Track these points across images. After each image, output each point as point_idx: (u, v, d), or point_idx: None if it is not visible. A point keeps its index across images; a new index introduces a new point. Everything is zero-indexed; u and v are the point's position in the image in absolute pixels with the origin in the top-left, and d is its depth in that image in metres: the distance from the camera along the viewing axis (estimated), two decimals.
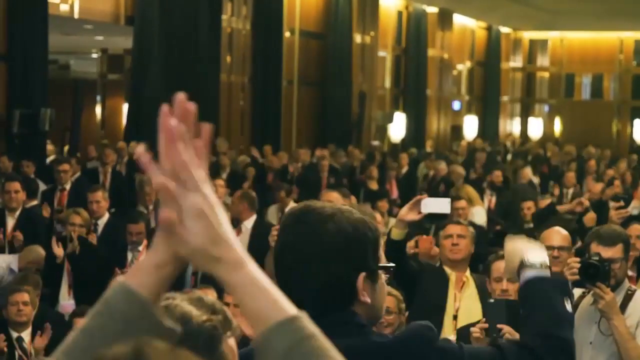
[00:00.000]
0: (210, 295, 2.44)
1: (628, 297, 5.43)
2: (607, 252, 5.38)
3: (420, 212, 5.62)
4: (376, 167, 16.96)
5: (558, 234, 6.20)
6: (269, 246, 6.53)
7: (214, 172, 14.18)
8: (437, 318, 6.32)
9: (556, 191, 16.42)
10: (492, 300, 5.28)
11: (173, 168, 1.60)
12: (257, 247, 8.30)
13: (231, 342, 2.16)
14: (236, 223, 9.21)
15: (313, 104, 23.05)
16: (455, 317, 6.39)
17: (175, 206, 1.60)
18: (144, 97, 17.27)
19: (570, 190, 15.59)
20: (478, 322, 5.07)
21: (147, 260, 1.65)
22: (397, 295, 5.85)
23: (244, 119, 21.26)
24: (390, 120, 25.71)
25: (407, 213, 5.69)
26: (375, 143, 24.43)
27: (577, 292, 5.64)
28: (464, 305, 6.43)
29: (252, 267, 1.63)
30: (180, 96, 1.64)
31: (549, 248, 5.96)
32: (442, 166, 17.34)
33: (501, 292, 5.56)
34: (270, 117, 20.98)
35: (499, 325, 5.03)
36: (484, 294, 6.10)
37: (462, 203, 10.29)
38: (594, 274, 5.33)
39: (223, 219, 1.63)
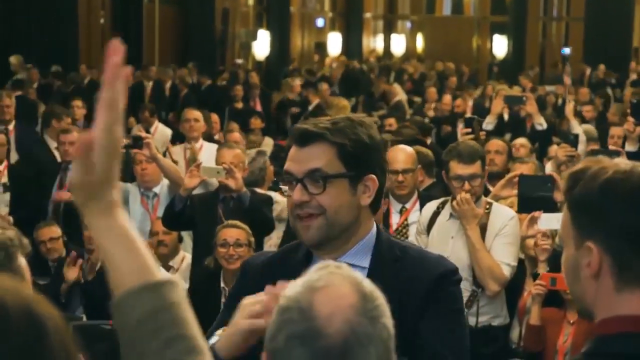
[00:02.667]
0: None
1: (486, 214, 5.55)
2: (467, 170, 5.48)
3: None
4: (241, 85, 16.87)
5: (402, 153, 6.27)
6: None
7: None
8: None
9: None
10: None
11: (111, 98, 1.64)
12: None
13: (22, 260, 2.22)
14: None
15: (175, 22, 22.68)
16: None
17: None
18: None
19: (432, 105, 15.84)
20: None
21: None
22: (246, 229, 5.85)
23: (105, 39, 20.78)
24: (254, 38, 25.52)
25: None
26: (239, 61, 24.24)
27: (430, 206, 5.76)
28: None
29: (125, 219, 1.63)
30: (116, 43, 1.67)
31: (393, 172, 6.06)
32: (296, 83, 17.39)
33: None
34: (131, 36, 20.55)
35: None
36: None
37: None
38: None
39: (115, 162, 1.65)
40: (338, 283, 1.67)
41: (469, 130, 6.63)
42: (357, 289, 1.68)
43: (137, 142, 6.70)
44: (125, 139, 6.78)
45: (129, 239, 1.61)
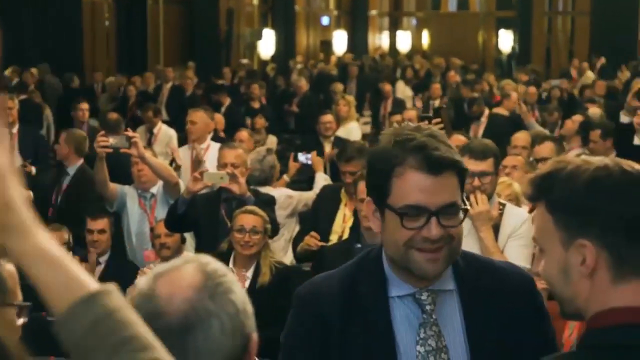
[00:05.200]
0: None
1: (499, 214, 5.48)
2: (479, 166, 5.42)
3: None
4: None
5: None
6: (89, 195, 6.47)
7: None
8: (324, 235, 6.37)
9: (418, 103, 16.59)
10: (359, 246, 5.24)
11: None
12: (77, 194, 8.08)
13: (10, 267, 2.19)
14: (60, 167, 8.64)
15: (180, 22, 22.67)
16: (340, 238, 6.31)
17: None
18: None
19: (437, 102, 15.79)
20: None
21: None
22: (263, 216, 5.86)
23: (109, 40, 20.79)
24: (259, 37, 25.50)
25: None
26: (245, 61, 24.23)
27: None
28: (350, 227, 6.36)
29: (43, 237, 1.57)
30: None
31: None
32: (303, 83, 17.34)
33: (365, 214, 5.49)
34: (136, 37, 20.55)
35: None
36: None
37: (328, 117, 10.41)
38: None
39: (12, 183, 1.56)
40: (181, 267, 1.79)
41: (438, 120, 6.54)
42: (200, 269, 1.79)
43: (126, 142, 6.72)
44: (112, 139, 6.78)
45: (51, 257, 1.56)
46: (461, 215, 2.42)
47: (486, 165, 5.41)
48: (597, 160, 1.95)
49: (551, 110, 12.97)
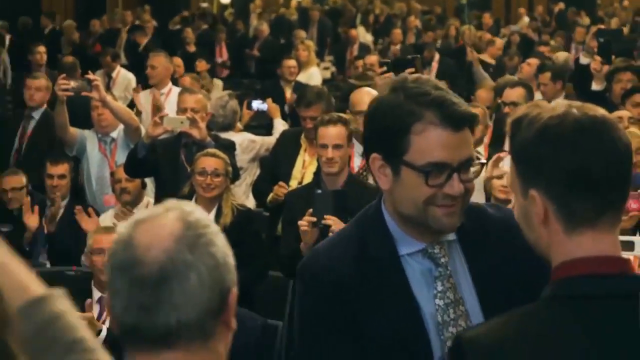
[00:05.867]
0: None
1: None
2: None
3: None
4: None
5: (368, 95, 6.16)
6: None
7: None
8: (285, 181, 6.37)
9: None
10: (319, 191, 5.26)
11: None
12: (42, 139, 7.96)
13: None
14: None
15: None
16: (300, 184, 6.28)
17: None
18: None
19: (398, 47, 15.77)
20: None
21: None
22: (225, 158, 5.85)
23: None
24: None
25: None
26: (204, 5, 23.98)
27: None
28: (310, 172, 6.37)
29: None
30: None
31: (358, 113, 6.02)
32: (264, 27, 17.23)
33: (327, 160, 5.49)
34: None
35: (326, 216, 5.05)
36: None
37: (292, 62, 10.39)
38: None
39: None
40: (162, 215, 1.75)
41: (413, 69, 6.51)
42: (181, 218, 1.74)
43: (87, 86, 6.67)
44: (73, 83, 6.73)
45: None
46: (477, 168, 2.42)
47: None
48: (560, 107, 1.91)
49: (511, 55, 13.04)
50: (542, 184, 1.86)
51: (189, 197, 5.83)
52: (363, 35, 19.21)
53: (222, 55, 16.63)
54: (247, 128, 8.59)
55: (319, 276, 2.46)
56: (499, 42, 12.97)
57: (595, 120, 1.87)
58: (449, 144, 2.34)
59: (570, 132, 1.85)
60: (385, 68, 6.95)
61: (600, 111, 1.92)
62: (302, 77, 11.02)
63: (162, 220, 1.73)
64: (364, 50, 15.64)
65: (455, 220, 2.41)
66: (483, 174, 5.22)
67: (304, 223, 5.05)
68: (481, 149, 6.86)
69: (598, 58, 8.02)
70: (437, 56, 13.06)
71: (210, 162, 5.80)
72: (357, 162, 6.20)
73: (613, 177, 1.86)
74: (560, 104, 1.93)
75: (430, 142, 2.34)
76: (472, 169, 2.41)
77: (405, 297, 2.43)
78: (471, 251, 2.51)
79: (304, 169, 6.48)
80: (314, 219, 5.05)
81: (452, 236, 2.49)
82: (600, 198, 1.86)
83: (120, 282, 1.70)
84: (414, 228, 2.45)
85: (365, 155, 2.52)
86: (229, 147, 6.50)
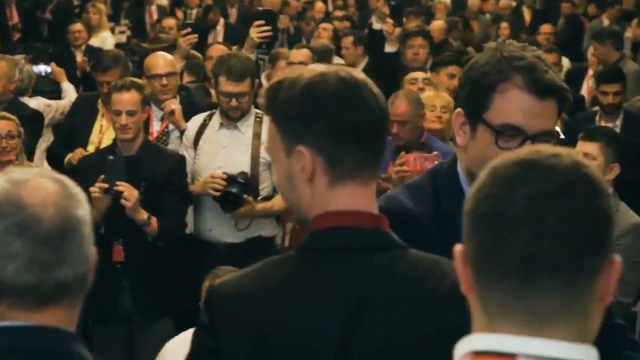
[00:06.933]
0: None
1: (258, 122, 5.58)
2: (236, 87, 5.47)
3: None
4: None
5: (163, 58, 6.16)
6: None
7: None
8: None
9: None
10: (111, 157, 5.17)
11: None
12: None
13: None
14: None
15: None
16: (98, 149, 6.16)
17: None
18: None
19: (195, 11, 15.65)
20: None
21: None
22: (15, 119, 5.71)
23: None
24: None
25: None
26: None
27: (196, 120, 5.75)
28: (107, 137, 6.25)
29: None
30: None
31: (156, 77, 5.97)
32: None
33: (120, 126, 5.40)
34: None
35: (118, 183, 4.98)
36: None
37: (77, 26, 10.18)
38: (234, 202, 5.37)
39: None
40: (35, 177, 1.76)
41: (261, 22, 6.54)
42: (54, 179, 1.76)
43: None
44: None
45: None
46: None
47: (244, 86, 5.49)
48: (320, 68, 2.02)
49: (307, 21, 13.17)
50: (310, 139, 1.94)
51: None
52: None
53: (13, 18, 16.03)
54: (39, 93, 8.36)
55: (399, 219, 2.25)
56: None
57: (356, 80, 1.98)
58: (530, 110, 2.32)
59: (335, 89, 1.95)
60: (189, 30, 6.95)
61: (358, 73, 2.05)
62: (94, 42, 10.80)
63: (40, 181, 1.75)
64: (164, 13, 15.42)
65: None
66: None
67: (95, 189, 4.99)
68: None
69: (390, 21, 8.33)
70: (222, 20, 13.08)
71: (1, 124, 5.65)
72: (156, 127, 6.15)
73: (375, 132, 1.98)
74: (316, 66, 2.05)
75: (511, 103, 2.32)
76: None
77: None
78: None
79: (101, 134, 6.38)
80: (106, 186, 4.99)
81: None
82: (364, 151, 1.96)
83: (17, 243, 1.70)
84: None
85: (454, 110, 2.49)
86: (33, 118, 6.39)
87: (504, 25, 12.67)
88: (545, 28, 11.85)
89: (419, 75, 7.13)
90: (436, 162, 5.33)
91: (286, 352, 1.89)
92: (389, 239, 1.98)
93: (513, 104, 2.32)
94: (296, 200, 1.99)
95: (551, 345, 1.32)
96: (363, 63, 8.68)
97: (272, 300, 1.91)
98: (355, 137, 1.95)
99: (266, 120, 5.44)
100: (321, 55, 7.96)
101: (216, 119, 5.66)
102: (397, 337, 1.90)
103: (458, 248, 1.42)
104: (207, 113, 5.72)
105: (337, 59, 8.70)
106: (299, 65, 6.79)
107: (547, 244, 1.32)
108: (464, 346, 1.39)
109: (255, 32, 6.51)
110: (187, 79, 7.26)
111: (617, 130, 6.63)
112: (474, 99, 2.38)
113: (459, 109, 2.43)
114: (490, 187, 1.38)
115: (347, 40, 8.90)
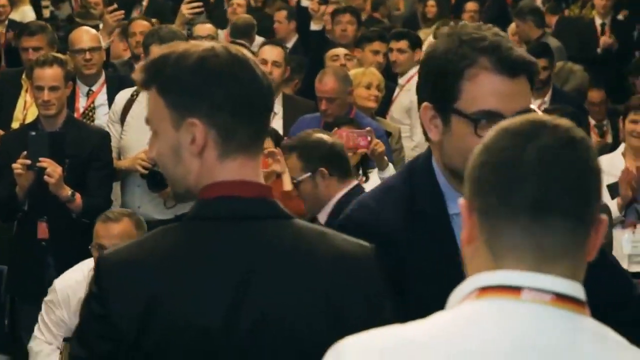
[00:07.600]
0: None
1: None
2: None
3: None
4: None
5: (87, 33, 6.09)
6: None
7: None
8: None
9: None
10: (33, 133, 5.11)
11: None
12: None
13: None
14: None
15: None
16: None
17: None
18: None
19: None
20: None
21: None
22: None
23: None
24: None
25: None
26: None
27: (124, 95, 5.67)
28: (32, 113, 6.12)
29: None
30: None
31: (79, 51, 5.90)
32: None
33: (43, 102, 5.32)
34: None
35: (41, 159, 4.92)
36: None
37: None
38: (161, 182, 5.27)
39: None
40: None
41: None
42: None
43: None
44: None
45: None
46: None
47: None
48: (205, 44, 2.04)
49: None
50: (204, 112, 1.97)
51: None
52: None
53: None
54: None
55: (365, 228, 2.26)
56: None
57: (246, 56, 2.03)
58: (503, 91, 2.21)
59: (228, 64, 1.99)
60: (115, 6, 6.88)
61: (245, 50, 2.09)
62: (15, 16, 10.61)
63: None
64: None
65: None
66: None
67: (17, 166, 4.94)
68: None
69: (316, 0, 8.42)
70: None
71: None
72: (82, 103, 6.09)
73: (265, 107, 2.05)
74: (201, 42, 2.09)
75: (482, 88, 2.22)
76: None
77: (451, 259, 2.14)
78: None
79: (25, 110, 6.28)
80: (29, 162, 4.93)
81: None
82: (256, 124, 2.01)
83: None
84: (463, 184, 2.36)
85: (418, 104, 2.34)
86: None
87: (431, 2, 12.70)
88: (471, 6, 11.89)
89: (340, 51, 7.19)
90: (369, 138, 5.37)
91: (176, 318, 1.90)
92: (276, 208, 2.01)
93: (485, 88, 2.22)
94: (181, 174, 2.00)
95: (554, 280, 1.47)
96: (293, 39, 8.61)
97: (161, 267, 1.93)
98: (249, 111, 1.98)
99: (144, 93, 5.45)
100: (242, 30, 7.94)
101: (144, 94, 5.59)
102: (285, 304, 1.93)
103: (463, 201, 1.55)
104: (135, 88, 5.64)
105: (258, 39, 8.59)
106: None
107: (555, 189, 1.49)
108: (469, 285, 1.51)
109: (187, 8, 6.54)
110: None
111: (546, 106, 6.68)
112: (441, 90, 2.26)
113: (426, 103, 2.29)
114: (504, 141, 1.52)
115: (280, 15, 8.86)
